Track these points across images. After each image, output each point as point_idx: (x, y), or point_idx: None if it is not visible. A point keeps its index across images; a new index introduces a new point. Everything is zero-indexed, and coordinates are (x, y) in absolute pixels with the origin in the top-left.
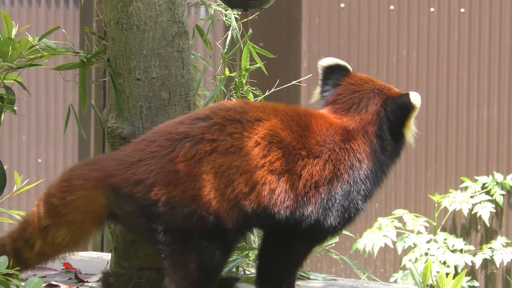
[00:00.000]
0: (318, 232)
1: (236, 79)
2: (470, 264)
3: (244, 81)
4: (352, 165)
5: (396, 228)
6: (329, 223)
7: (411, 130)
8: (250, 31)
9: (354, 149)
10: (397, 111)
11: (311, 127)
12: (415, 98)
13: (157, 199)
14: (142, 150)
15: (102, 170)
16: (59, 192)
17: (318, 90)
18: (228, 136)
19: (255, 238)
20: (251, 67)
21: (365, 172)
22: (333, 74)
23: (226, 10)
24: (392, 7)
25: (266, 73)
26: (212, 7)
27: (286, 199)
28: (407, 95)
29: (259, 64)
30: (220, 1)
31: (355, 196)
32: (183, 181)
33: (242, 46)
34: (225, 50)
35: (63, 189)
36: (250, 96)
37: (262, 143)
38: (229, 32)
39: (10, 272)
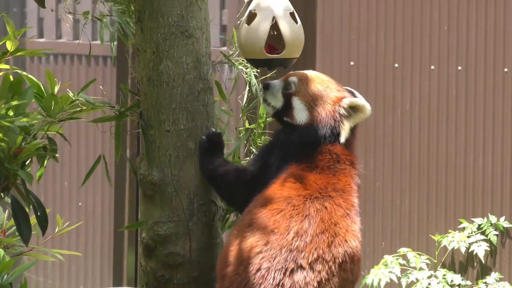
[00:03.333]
0: None
1: (255, 130)
2: None
3: (260, 131)
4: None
5: (401, 265)
6: None
7: None
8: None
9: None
10: None
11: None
12: None
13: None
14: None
15: None
16: None
17: None
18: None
19: None
20: (268, 119)
21: None
22: None
23: (246, 69)
24: (396, 65)
25: None
26: (235, 66)
27: None
28: None
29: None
30: (241, 60)
31: None
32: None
33: (260, 100)
34: (245, 104)
35: None
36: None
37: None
38: (247, 88)
39: None
